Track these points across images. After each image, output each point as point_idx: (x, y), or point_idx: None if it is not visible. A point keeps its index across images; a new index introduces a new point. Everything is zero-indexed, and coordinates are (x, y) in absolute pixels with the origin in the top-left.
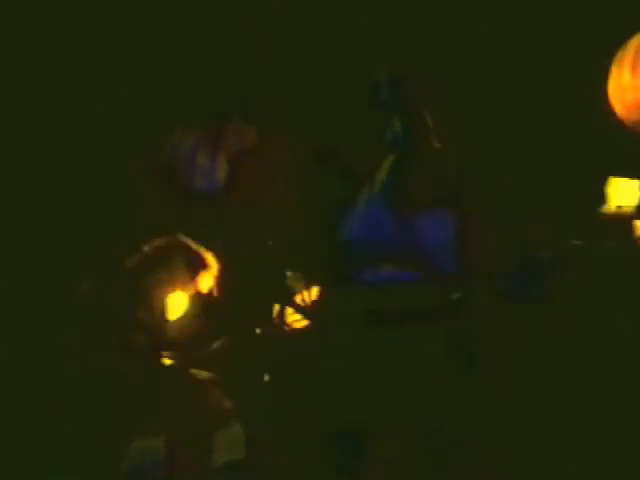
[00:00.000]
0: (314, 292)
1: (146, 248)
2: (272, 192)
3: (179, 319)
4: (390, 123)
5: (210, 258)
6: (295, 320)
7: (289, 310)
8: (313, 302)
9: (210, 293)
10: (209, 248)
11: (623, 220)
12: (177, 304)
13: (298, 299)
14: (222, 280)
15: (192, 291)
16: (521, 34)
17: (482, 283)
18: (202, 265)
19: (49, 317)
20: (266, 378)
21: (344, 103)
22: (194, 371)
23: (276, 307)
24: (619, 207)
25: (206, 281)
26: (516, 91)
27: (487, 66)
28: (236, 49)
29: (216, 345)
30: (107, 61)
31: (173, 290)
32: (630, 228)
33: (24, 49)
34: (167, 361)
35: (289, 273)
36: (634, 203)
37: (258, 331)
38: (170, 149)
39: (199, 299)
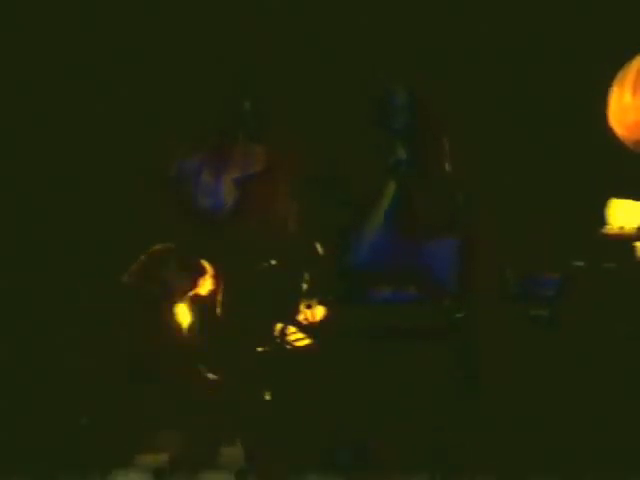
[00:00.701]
0: (319, 311)
1: (143, 257)
2: (277, 213)
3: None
4: (394, 148)
5: (206, 263)
6: (297, 339)
7: (291, 329)
8: (318, 321)
9: (211, 297)
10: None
11: (625, 241)
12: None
13: (301, 318)
14: (224, 294)
15: (193, 295)
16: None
17: (484, 303)
18: (200, 270)
19: (49, 317)
20: (267, 397)
21: (348, 121)
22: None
23: (278, 326)
24: (621, 228)
25: (206, 285)
26: (523, 114)
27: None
28: (239, 61)
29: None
30: (106, 64)
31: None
32: (631, 249)
33: (24, 49)
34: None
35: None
36: (636, 224)
37: (260, 349)
38: (175, 165)
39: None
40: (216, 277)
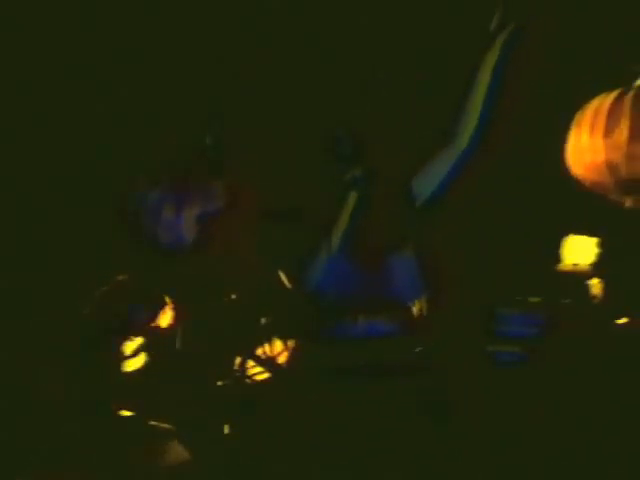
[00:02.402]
0: (277, 346)
1: (103, 289)
2: (237, 248)
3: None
4: (351, 169)
5: (166, 297)
6: (256, 372)
7: (250, 363)
8: (275, 355)
9: (168, 338)
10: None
11: (579, 278)
12: (136, 351)
13: (260, 352)
14: (184, 328)
15: (152, 329)
16: None
17: (453, 337)
18: (160, 303)
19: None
20: (226, 430)
21: (306, 157)
22: (153, 423)
23: (237, 359)
24: (575, 265)
25: (166, 318)
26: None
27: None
28: (203, 96)
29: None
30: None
31: (128, 338)
32: (585, 286)
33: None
34: (125, 412)
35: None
36: (590, 261)
37: (219, 383)
38: (135, 200)
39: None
40: (176, 311)
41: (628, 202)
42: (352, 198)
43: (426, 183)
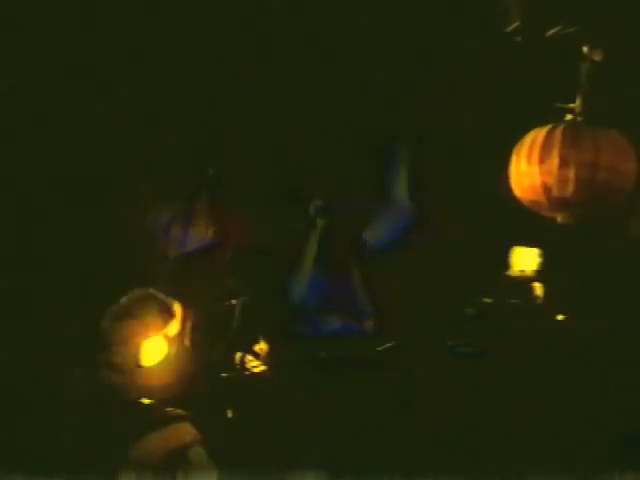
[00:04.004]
0: (264, 345)
1: (123, 299)
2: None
3: (154, 365)
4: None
5: (177, 307)
6: (254, 366)
7: (249, 357)
8: (266, 353)
9: (179, 339)
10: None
11: (524, 282)
12: (153, 350)
13: (257, 348)
14: (189, 329)
15: (162, 336)
16: None
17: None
18: (170, 313)
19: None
20: (229, 414)
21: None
22: (168, 409)
23: (238, 355)
24: (522, 271)
25: (173, 327)
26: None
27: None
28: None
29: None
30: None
31: (147, 336)
32: (530, 289)
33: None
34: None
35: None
36: (534, 268)
37: (224, 375)
38: (150, 222)
39: (171, 345)
40: (184, 318)
41: (559, 218)
42: (319, 225)
43: (376, 238)
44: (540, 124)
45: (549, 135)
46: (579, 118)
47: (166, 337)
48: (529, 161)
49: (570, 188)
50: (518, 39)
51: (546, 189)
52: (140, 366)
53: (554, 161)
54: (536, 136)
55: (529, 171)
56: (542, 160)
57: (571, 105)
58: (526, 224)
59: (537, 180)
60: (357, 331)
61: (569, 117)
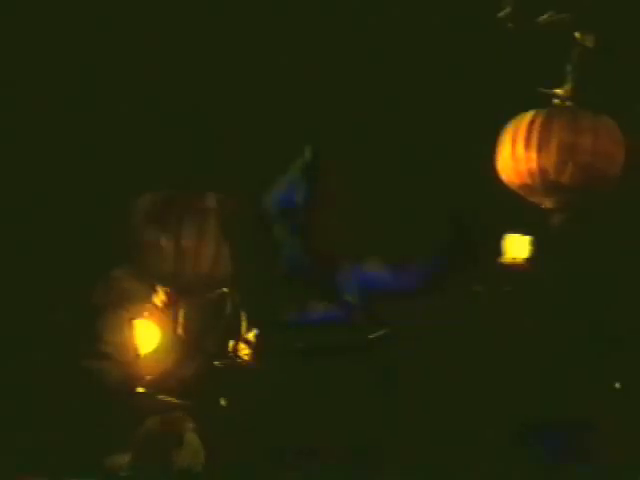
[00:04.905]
0: (252, 334)
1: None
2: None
3: (150, 354)
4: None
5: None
6: (246, 353)
7: (241, 345)
8: (254, 341)
9: (172, 327)
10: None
11: (516, 269)
12: (148, 337)
13: (249, 336)
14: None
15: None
16: None
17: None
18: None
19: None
20: (222, 402)
21: None
22: (163, 396)
23: (231, 343)
24: (513, 259)
25: (160, 296)
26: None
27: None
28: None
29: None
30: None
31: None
32: (522, 275)
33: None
34: (140, 389)
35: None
36: (525, 255)
37: (217, 363)
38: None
39: (164, 332)
40: (169, 294)
41: (548, 203)
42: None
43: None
44: (527, 109)
45: (548, 119)
46: (568, 103)
47: (155, 307)
48: (528, 146)
49: (568, 173)
50: (510, 25)
51: (543, 173)
52: (138, 355)
53: (553, 146)
54: (533, 120)
55: (527, 157)
56: (540, 144)
57: (557, 90)
58: (519, 212)
59: (534, 164)
60: (344, 319)
61: (557, 102)
